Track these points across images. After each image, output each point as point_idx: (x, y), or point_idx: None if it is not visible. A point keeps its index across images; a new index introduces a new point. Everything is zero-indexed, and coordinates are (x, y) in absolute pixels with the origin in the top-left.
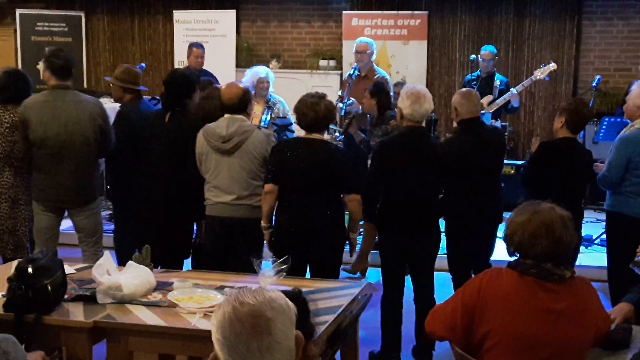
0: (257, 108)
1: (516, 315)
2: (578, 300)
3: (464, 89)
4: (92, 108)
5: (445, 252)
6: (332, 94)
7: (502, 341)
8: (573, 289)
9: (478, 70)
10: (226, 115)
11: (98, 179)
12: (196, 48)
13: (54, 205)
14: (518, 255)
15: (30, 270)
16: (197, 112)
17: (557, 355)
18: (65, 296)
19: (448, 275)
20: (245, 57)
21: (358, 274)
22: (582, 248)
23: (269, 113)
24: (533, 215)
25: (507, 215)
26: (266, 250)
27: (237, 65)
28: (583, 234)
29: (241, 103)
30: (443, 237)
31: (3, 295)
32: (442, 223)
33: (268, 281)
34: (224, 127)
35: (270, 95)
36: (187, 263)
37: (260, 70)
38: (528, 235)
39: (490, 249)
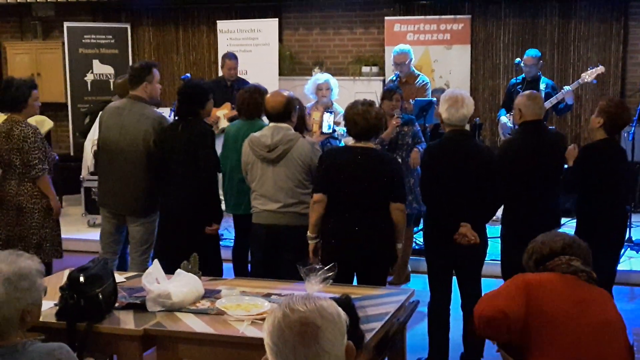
0: (315, 114)
1: (561, 299)
2: (607, 301)
3: (528, 91)
4: (151, 122)
5: (500, 257)
6: (375, 100)
7: (549, 323)
8: (599, 289)
9: (523, 74)
10: (271, 124)
11: (155, 193)
12: (229, 59)
13: (112, 211)
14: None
15: (81, 279)
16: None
17: (592, 337)
18: (116, 304)
19: (495, 281)
20: (288, 66)
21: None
22: (632, 252)
23: (332, 117)
24: (542, 235)
25: (564, 220)
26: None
27: (280, 74)
28: (633, 239)
29: (285, 111)
30: (491, 242)
31: (55, 304)
32: (491, 228)
33: (315, 288)
34: (269, 136)
35: (334, 104)
36: (230, 270)
37: (319, 77)
38: (545, 241)
39: None
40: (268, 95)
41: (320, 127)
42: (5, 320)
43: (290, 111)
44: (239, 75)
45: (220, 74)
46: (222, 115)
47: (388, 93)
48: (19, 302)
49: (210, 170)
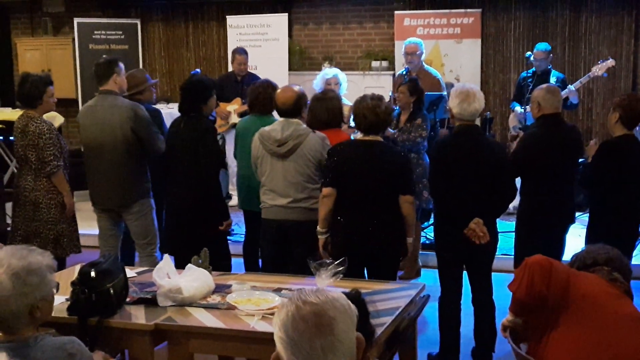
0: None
1: (602, 291)
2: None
3: (545, 85)
4: (125, 112)
5: (514, 250)
6: (384, 94)
7: (593, 305)
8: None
9: (534, 67)
10: (281, 119)
11: (141, 181)
12: (239, 55)
13: (102, 207)
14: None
15: (93, 274)
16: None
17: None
18: (127, 299)
19: (506, 276)
20: (297, 60)
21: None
22: None
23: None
24: (589, 247)
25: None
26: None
27: (290, 69)
28: None
29: (296, 106)
30: (502, 237)
31: (67, 299)
32: (501, 223)
33: (325, 283)
34: (279, 131)
35: (342, 99)
36: (240, 265)
37: (328, 72)
38: (592, 251)
39: (561, 249)
40: (278, 91)
41: (348, 121)
42: (13, 315)
43: (300, 107)
44: (248, 70)
45: (230, 69)
46: (232, 110)
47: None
48: (27, 297)
49: (211, 167)
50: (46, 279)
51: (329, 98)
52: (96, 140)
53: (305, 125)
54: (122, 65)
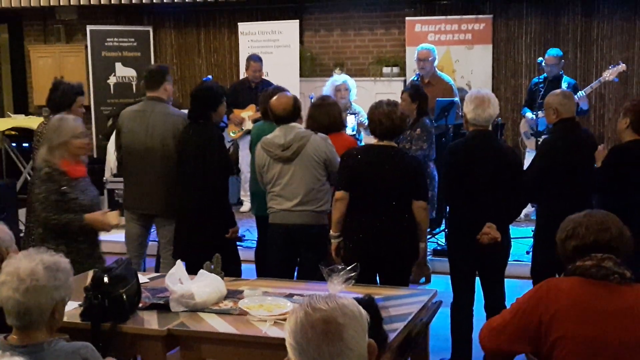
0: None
1: (583, 319)
2: None
3: (559, 90)
4: (177, 120)
5: (532, 256)
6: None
7: (572, 347)
8: (636, 290)
9: (545, 73)
10: (281, 126)
11: None
12: (254, 62)
13: (140, 213)
14: (573, 261)
15: (106, 279)
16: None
17: (627, 357)
18: (140, 305)
19: (518, 282)
20: (309, 67)
21: (423, 279)
22: None
23: (357, 119)
24: (587, 214)
25: None
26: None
27: (301, 75)
28: None
29: (295, 110)
30: (515, 243)
31: (80, 305)
32: (514, 229)
33: (337, 288)
34: (282, 136)
35: (352, 105)
36: (252, 271)
37: (337, 78)
38: (591, 227)
39: None
40: (274, 100)
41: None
42: (40, 308)
43: (299, 109)
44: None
45: (242, 75)
46: (246, 116)
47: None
48: (56, 291)
49: (217, 174)
50: (69, 279)
51: (327, 104)
52: (143, 145)
53: (304, 128)
54: (170, 75)
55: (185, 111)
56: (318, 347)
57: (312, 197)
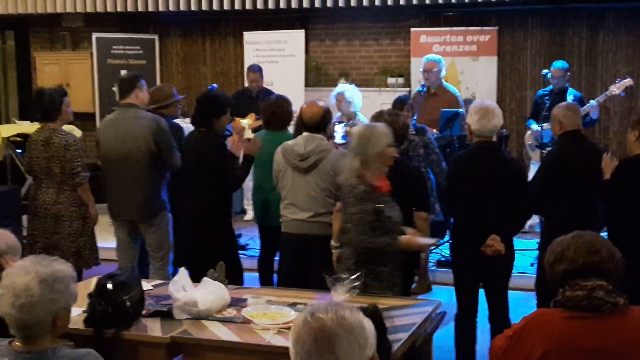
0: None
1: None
2: (637, 333)
3: (565, 102)
4: (149, 124)
5: (537, 268)
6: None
7: None
8: (630, 319)
9: (551, 85)
10: (305, 134)
11: (160, 194)
12: (252, 72)
13: (121, 219)
14: (562, 288)
15: (109, 286)
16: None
17: None
18: (143, 312)
19: (522, 294)
20: (314, 77)
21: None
22: None
23: (344, 128)
24: (576, 236)
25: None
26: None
27: (306, 85)
28: None
29: (322, 122)
30: (518, 255)
31: (84, 311)
32: (517, 241)
33: (341, 298)
34: (302, 145)
35: (357, 115)
36: (255, 280)
37: (338, 88)
38: (580, 250)
39: None
40: (304, 106)
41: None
42: (38, 321)
43: (326, 122)
44: (265, 86)
45: (246, 84)
46: (246, 125)
47: (399, 103)
48: (53, 304)
49: (217, 184)
50: (70, 287)
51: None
52: (118, 152)
53: (327, 141)
54: (144, 81)
55: (150, 114)
56: (308, 355)
57: (327, 210)
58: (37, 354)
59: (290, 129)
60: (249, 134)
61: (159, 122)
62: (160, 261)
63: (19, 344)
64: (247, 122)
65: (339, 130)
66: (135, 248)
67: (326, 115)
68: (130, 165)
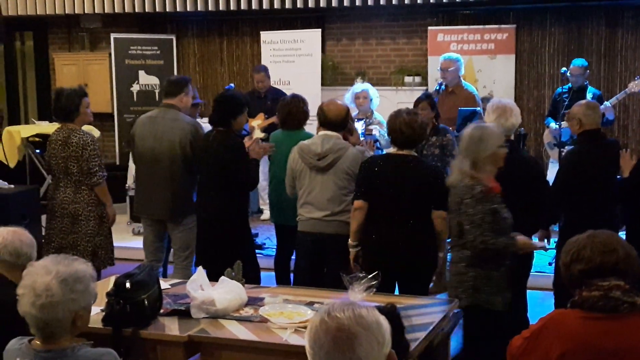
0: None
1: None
2: None
3: (585, 101)
4: (186, 127)
5: (554, 267)
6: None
7: None
8: None
9: (569, 83)
10: (321, 132)
11: (191, 196)
12: (256, 73)
13: (151, 218)
14: (579, 288)
15: (128, 285)
16: None
17: None
18: (161, 311)
19: (540, 294)
20: (330, 76)
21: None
22: None
23: (363, 125)
24: (591, 236)
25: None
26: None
27: (323, 84)
28: None
29: (344, 121)
30: (537, 254)
31: (102, 310)
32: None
33: (357, 297)
34: (319, 144)
35: (374, 113)
36: (272, 279)
37: (357, 87)
38: (596, 249)
39: None
40: (329, 104)
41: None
42: (58, 321)
43: (347, 121)
44: (282, 85)
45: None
46: (256, 125)
47: (416, 102)
48: (73, 304)
49: (236, 184)
50: (90, 287)
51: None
52: (153, 151)
53: (343, 140)
54: (191, 87)
55: (203, 121)
56: (328, 355)
57: (343, 209)
58: (56, 352)
59: (306, 128)
60: (258, 134)
61: (197, 127)
62: (185, 260)
63: (38, 342)
64: (257, 122)
65: (358, 127)
66: (163, 247)
67: (348, 114)
68: (163, 164)
